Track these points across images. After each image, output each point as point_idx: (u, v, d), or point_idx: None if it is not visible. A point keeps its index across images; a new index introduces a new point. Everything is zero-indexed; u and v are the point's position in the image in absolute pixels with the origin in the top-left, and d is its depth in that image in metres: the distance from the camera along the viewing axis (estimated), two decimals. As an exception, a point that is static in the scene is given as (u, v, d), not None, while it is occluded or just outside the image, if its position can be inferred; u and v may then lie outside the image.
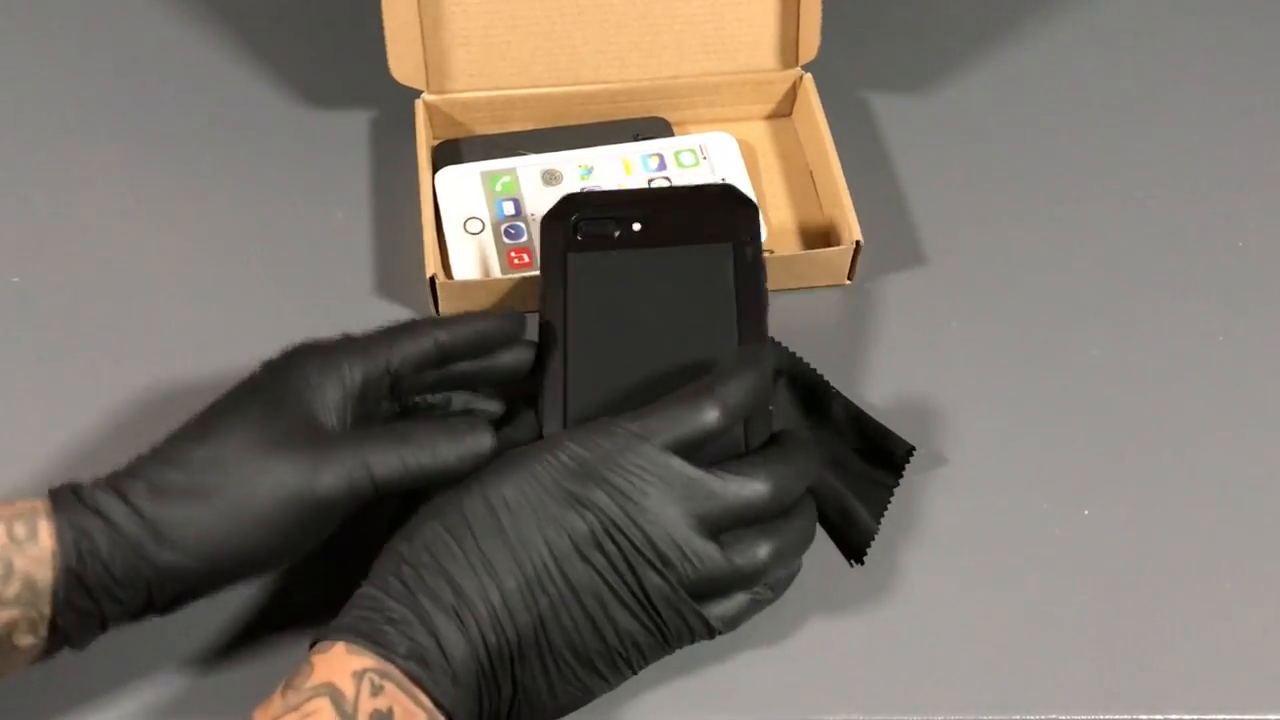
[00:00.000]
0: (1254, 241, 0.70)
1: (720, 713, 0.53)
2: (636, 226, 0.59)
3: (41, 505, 0.46)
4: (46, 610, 0.46)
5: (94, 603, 0.46)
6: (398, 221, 0.68)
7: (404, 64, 0.69)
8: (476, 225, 0.67)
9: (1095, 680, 0.54)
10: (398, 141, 0.72)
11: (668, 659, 0.51)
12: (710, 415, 0.48)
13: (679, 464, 0.47)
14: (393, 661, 0.44)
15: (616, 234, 0.58)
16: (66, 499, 0.47)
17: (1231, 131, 0.75)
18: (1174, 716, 0.53)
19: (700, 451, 0.49)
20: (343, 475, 0.47)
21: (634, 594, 0.47)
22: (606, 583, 0.47)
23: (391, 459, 0.48)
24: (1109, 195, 0.71)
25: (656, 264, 0.57)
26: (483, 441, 0.49)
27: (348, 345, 0.52)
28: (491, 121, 0.72)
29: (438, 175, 0.69)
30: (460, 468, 0.49)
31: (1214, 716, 0.53)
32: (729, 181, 0.65)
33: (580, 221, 0.59)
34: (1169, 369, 0.64)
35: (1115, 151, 0.74)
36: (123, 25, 0.78)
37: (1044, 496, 0.59)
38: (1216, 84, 0.77)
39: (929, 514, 0.58)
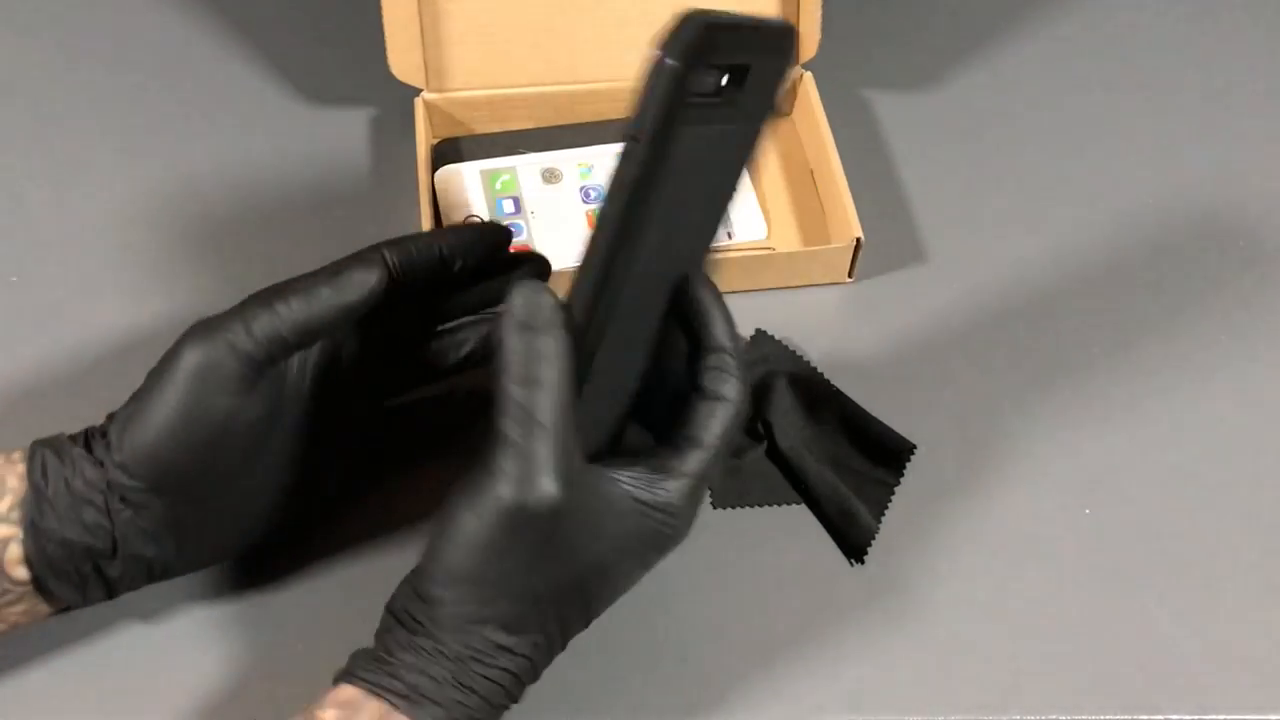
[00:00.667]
0: (1254, 242, 0.70)
1: (720, 713, 0.53)
2: (725, 80, 0.45)
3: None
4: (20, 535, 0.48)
5: (57, 523, 0.47)
6: (398, 220, 0.68)
7: (404, 62, 0.69)
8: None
9: (1095, 680, 0.54)
10: (398, 140, 0.72)
11: (661, 657, 0.51)
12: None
13: (633, 513, 0.46)
14: None
15: (722, 84, 0.45)
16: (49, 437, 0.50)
17: (1232, 130, 0.75)
18: (1174, 716, 0.53)
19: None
20: (221, 344, 0.48)
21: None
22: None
23: (264, 314, 0.49)
24: (1109, 194, 0.71)
25: (721, 139, 0.47)
26: (368, 277, 0.50)
27: (291, 299, 0.50)
28: (491, 120, 0.72)
29: (437, 173, 0.68)
30: (353, 303, 0.49)
31: (1214, 717, 0.53)
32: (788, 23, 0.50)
33: (696, 69, 0.43)
34: (1168, 368, 0.64)
35: (1115, 150, 0.74)
36: (122, 23, 0.78)
37: (1044, 496, 0.59)
38: (1216, 83, 0.78)
39: (929, 514, 0.58)
